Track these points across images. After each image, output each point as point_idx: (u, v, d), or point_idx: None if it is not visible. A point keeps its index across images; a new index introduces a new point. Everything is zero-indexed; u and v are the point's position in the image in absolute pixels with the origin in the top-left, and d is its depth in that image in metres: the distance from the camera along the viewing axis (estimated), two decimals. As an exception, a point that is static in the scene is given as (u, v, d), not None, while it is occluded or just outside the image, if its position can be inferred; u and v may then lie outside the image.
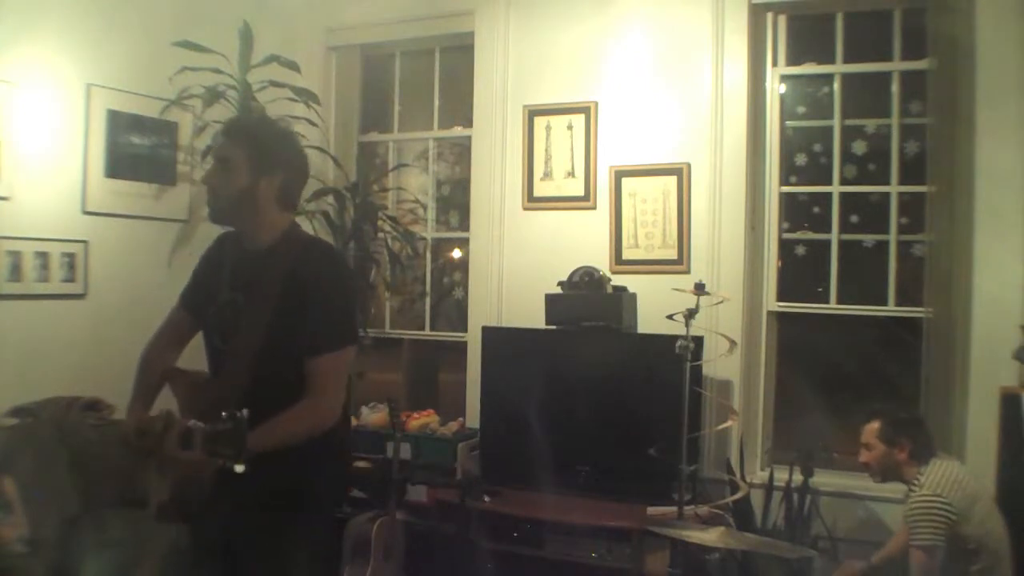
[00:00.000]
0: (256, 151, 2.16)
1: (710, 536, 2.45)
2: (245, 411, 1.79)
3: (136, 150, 3.86)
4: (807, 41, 3.77)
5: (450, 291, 4.55)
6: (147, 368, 2.29)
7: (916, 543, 2.73)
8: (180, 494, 2.06)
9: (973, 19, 3.29)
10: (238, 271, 2.21)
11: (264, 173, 2.15)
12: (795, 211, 3.80)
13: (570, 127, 3.98)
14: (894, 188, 3.59)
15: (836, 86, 3.70)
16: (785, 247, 3.79)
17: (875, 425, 2.95)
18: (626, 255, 3.86)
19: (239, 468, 1.79)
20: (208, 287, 2.27)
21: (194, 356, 2.33)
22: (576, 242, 3.92)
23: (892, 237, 3.59)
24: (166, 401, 2.25)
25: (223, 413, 1.81)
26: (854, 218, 3.68)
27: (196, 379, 2.20)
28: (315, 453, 2.09)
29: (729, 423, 3.34)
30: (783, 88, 3.82)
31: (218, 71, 3.90)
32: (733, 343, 3.10)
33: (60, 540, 2.84)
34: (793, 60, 3.78)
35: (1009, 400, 3.06)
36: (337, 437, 2.22)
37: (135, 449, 2.10)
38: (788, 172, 3.79)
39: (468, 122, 4.32)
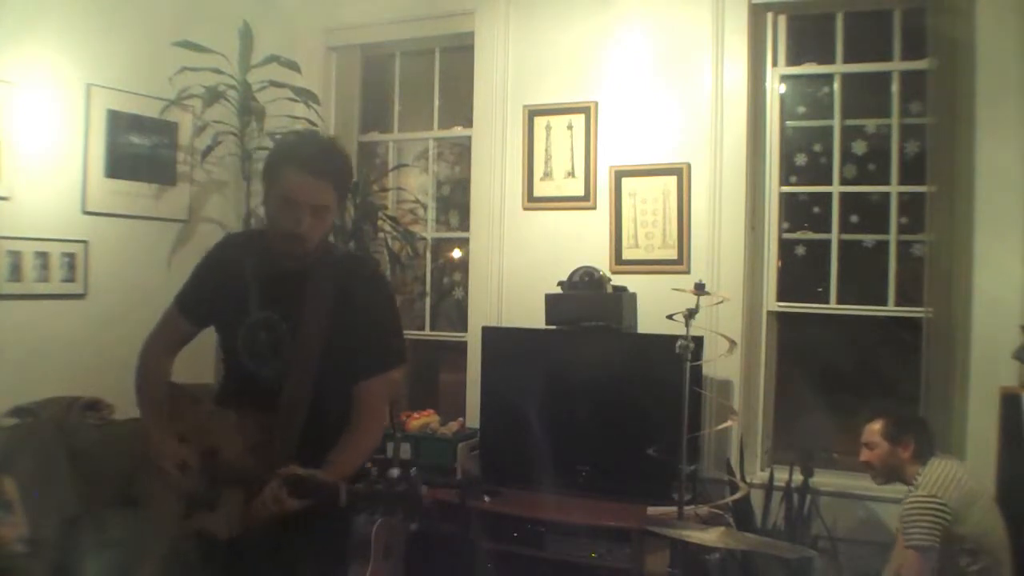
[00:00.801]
0: (343, 189, 2.06)
1: (710, 536, 2.45)
2: (415, 470, 1.76)
3: (136, 150, 3.86)
4: (807, 41, 3.77)
5: (450, 291, 4.55)
6: (149, 382, 2.16)
7: (910, 543, 2.72)
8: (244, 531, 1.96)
9: (973, 19, 3.29)
10: (271, 289, 2.06)
11: (344, 200, 2.08)
12: (795, 211, 3.80)
13: (570, 127, 3.98)
14: (894, 188, 3.59)
15: (836, 86, 3.70)
16: (785, 247, 3.79)
17: (877, 424, 2.94)
18: (626, 255, 3.86)
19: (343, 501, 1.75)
20: (221, 299, 2.11)
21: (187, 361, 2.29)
22: (576, 242, 3.92)
23: (892, 237, 3.59)
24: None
25: (389, 471, 1.75)
26: (854, 218, 3.68)
27: (235, 422, 2.03)
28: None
29: (729, 423, 3.34)
30: (783, 88, 3.82)
31: (218, 71, 3.91)
32: (733, 343, 3.10)
33: (60, 540, 2.84)
34: (793, 60, 3.78)
35: (1009, 400, 3.06)
36: None
37: (178, 487, 2.00)
38: (788, 172, 3.79)
39: (468, 122, 4.32)
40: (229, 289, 2.09)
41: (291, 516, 1.87)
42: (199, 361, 2.27)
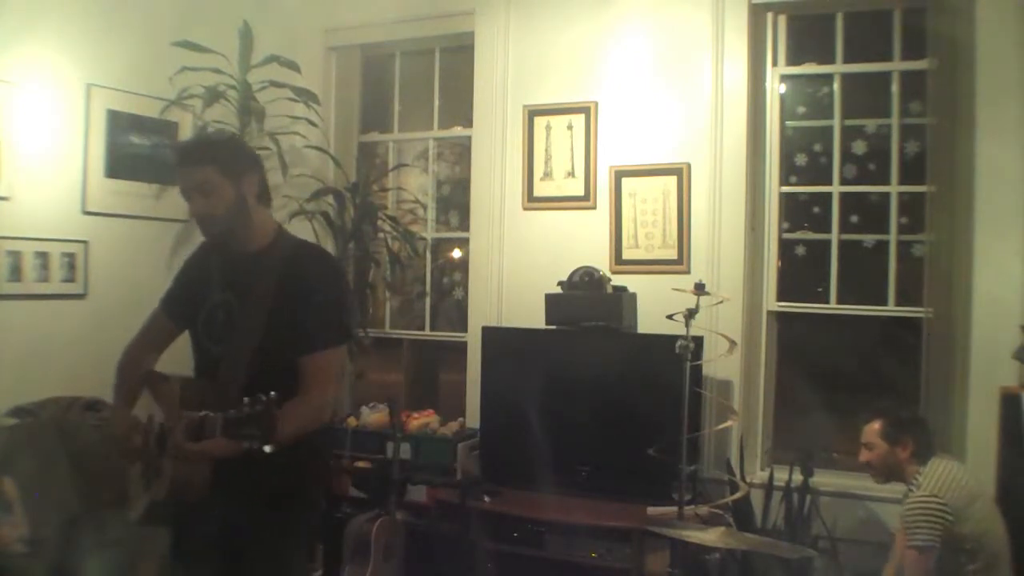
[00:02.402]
0: (225, 162, 2.18)
1: (710, 536, 2.45)
2: (273, 393, 1.83)
3: (136, 150, 3.86)
4: (807, 41, 3.77)
5: (450, 291, 4.55)
6: (126, 372, 2.30)
7: (912, 544, 2.72)
8: (175, 494, 2.06)
9: (973, 19, 3.29)
10: (228, 274, 2.23)
11: (239, 179, 2.18)
12: (795, 211, 3.80)
13: (570, 127, 3.98)
14: (894, 188, 3.59)
15: (836, 86, 3.70)
16: (785, 247, 3.79)
17: (877, 424, 2.94)
18: (626, 255, 3.86)
19: (268, 448, 1.84)
20: (193, 293, 2.29)
21: (174, 361, 2.33)
22: (576, 242, 3.92)
23: (892, 237, 3.59)
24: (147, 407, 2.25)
25: (245, 399, 1.85)
26: (854, 218, 3.68)
27: (181, 383, 2.18)
28: (299, 450, 2.11)
29: (729, 423, 3.34)
30: (783, 88, 3.82)
31: (218, 71, 3.91)
32: (733, 343, 3.10)
33: (60, 540, 2.84)
34: (793, 60, 3.78)
35: (1009, 400, 3.06)
36: (319, 435, 2.25)
37: (126, 451, 2.13)
38: (788, 172, 3.79)
39: (468, 122, 4.32)
40: (201, 285, 2.28)
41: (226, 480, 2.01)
42: (178, 367, 2.31)
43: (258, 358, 2.12)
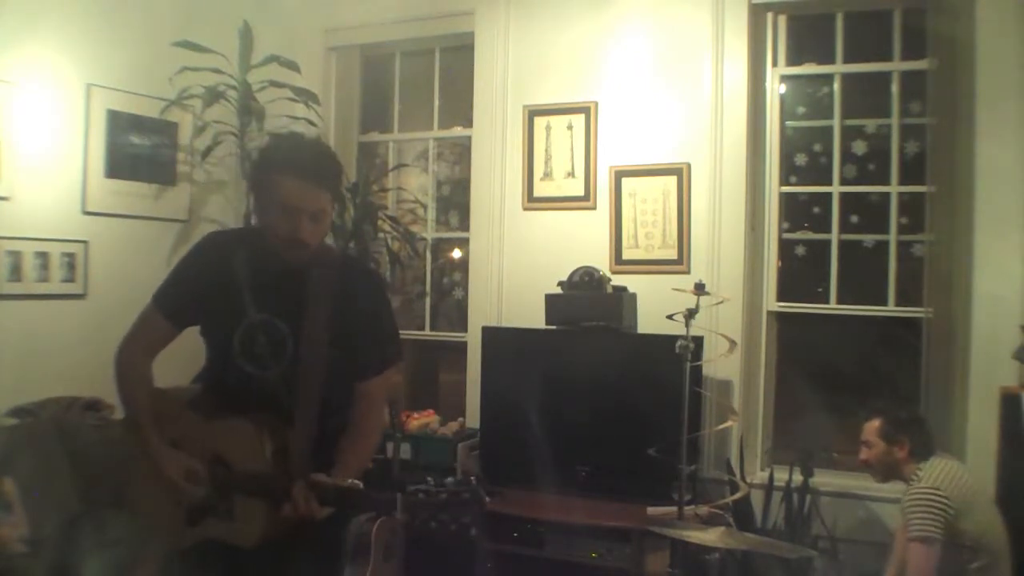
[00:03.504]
0: (337, 191, 2.08)
1: (710, 536, 2.46)
2: (474, 478, 1.75)
3: (136, 150, 3.86)
4: (807, 41, 3.77)
5: (450, 291, 4.55)
6: (134, 386, 2.10)
7: (913, 534, 2.71)
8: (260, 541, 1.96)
9: (973, 19, 3.29)
10: (267, 290, 2.03)
11: (337, 205, 2.12)
12: (795, 211, 3.80)
13: (570, 127, 3.98)
14: (894, 188, 3.59)
15: (836, 86, 3.70)
16: (785, 247, 3.79)
17: (875, 423, 2.94)
18: (626, 255, 3.86)
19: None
20: (208, 300, 2.07)
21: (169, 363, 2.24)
22: (576, 242, 3.92)
23: (892, 237, 3.59)
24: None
25: (449, 479, 1.73)
26: (854, 218, 3.68)
27: (254, 430, 1.99)
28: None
29: (729, 423, 3.34)
30: (783, 88, 3.82)
31: (218, 71, 3.90)
32: (733, 343, 3.10)
33: (60, 540, 2.84)
34: (793, 60, 3.78)
35: (1009, 400, 3.06)
36: None
37: (186, 497, 1.99)
38: (788, 172, 3.79)
39: (468, 122, 4.32)
40: (218, 290, 2.04)
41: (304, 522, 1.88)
42: (179, 362, 2.25)
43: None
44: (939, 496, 2.71)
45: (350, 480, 1.90)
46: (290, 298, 2.01)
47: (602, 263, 3.80)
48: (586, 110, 3.95)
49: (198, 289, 2.09)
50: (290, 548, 1.98)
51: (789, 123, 3.81)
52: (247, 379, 2.03)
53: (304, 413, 1.99)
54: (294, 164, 1.96)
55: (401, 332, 4.60)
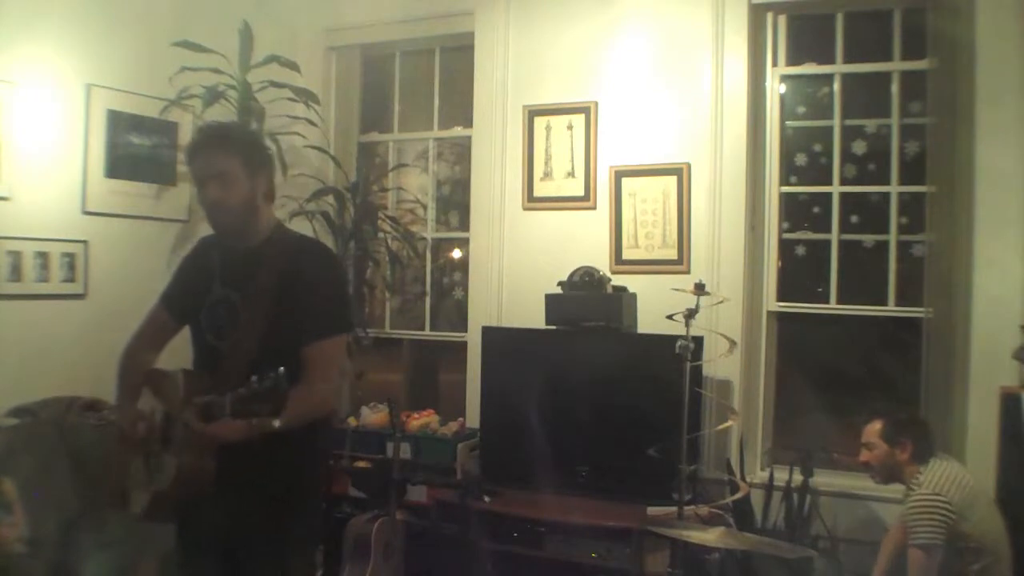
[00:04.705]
0: (247, 156, 2.20)
1: (710, 536, 2.45)
2: (282, 369, 1.83)
3: (136, 150, 3.86)
4: (807, 41, 3.77)
5: (450, 291, 4.55)
6: (128, 371, 2.30)
7: (915, 542, 2.72)
8: (180, 487, 2.05)
9: (973, 19, 3.29)
10: (228, 269, 2.23)
11: (256, 175, 2.20)
12: (795, 211, 3.80)
13: (570, 127, 3.98)
14: (894, 188, 3.59)
15: (836, 86, 3.70)
16: (785, 247, 3.79)
17: (877, 425, 2.95)
18: (626, 255, 3.86)
19: (277, 423, 1.85)
20: (194, 290, 2.28)
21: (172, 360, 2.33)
22: (576, 242, 3.92)
23: (892, 237, 3.59)
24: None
25: (253, 376, 1.85)
26: (854, 218, 3.68)
27: (181, 378, 2.17)
28: (302, 449, 2.14)
29: (729, 423, 3.33)
30: (783, 88, 3.82)
31: (218, 71, 3.90)
32: (733, 343, 3.10)
33: (60, 540, 2.84)
34: (793, 60, 3.78)
35: (1009, 400, 3.06)
36: (320, 434, 2.27)
37: (130, 442, 2.13)
38: (788, 172, 3.79)
39: (468, 122, 4.32)
40: (201, 280, 2.27)
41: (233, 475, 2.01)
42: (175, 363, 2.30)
43: (261, 350, 2.12)
44: (941, 502, 2.71)
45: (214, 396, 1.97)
46: (246, 273, 2.19)
47: (602, 263, 3.80)
48: (586, 110, 3.95)
49: (189, 284, 2.33)
50: (227, 496, 2.07)
51: (789, 123, 3.81)
52: (211, 350, 2.20)
53: (230, 365, 2.11)
54: (194, 141, 2.28)
55: (401, 332, 4.66)
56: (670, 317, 2.97)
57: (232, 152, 2.17)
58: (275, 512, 2.13)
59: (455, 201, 4.53)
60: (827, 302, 3.69)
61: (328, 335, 2.17)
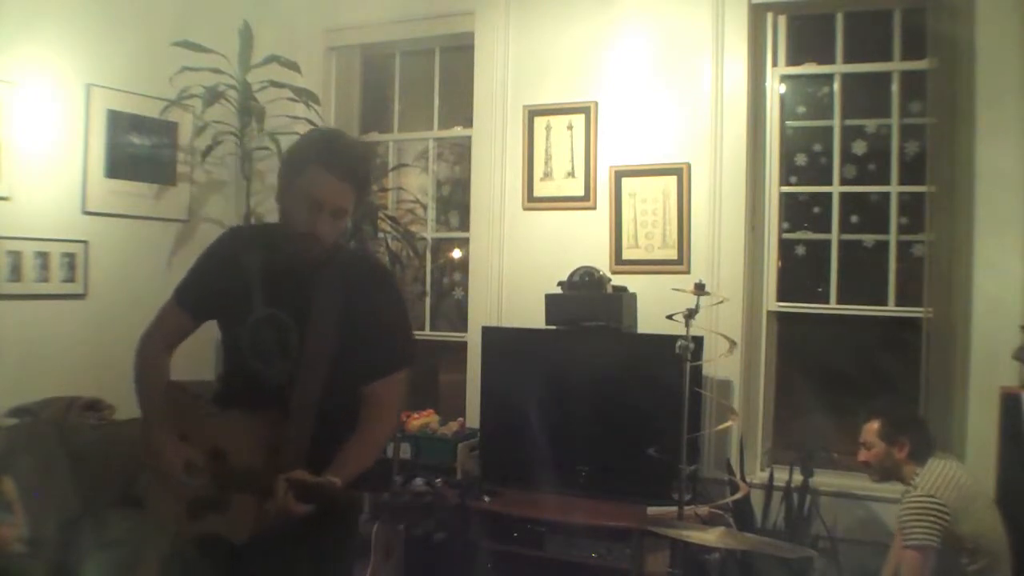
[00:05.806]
0: (364, 191, 2.04)
1: (710, 536, 2.45)
2: (439, 480, 1.75)
3: (136, 150, 3.86)
4: (807, 41, 3.77)
5: (450, 291, 4.55)
6: (149, 379, 2.10)
7: (909, 543, 2.72)
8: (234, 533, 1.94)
9: (973, 19, 3.28)
10: (277, 283, 2.02)
11: (359, 208, 2.08)
12: (795, 211, 3.80)
13: (570, 127, 3.98)
14: (894, 188, 3.59)
15: (836, 86, 3.70)
16: (785, 247, 3.79)
17: (875, 424, 2.94)
18: (626, 255, 3.86)
19: (338, 481, 1.76)
20: (223, 292, 2.07)
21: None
22: (576, 242, 3.92)
23: (892, 237, 3.59)
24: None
25: (409, 484, 1.75)
26: (854, 218, 3.68)
27: (240, 419, 2.00)
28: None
29: (729, 423, 3.33)
30: (783, 88, 3.82)
31: (218, 71, 3.91)
32: (733, 343, 3.09)
33: (60, 540, 2.84)
34: (793, 60, 3.78)
35: (1009, 400, 3.06)
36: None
37: (183, 489, 1.98)
38: (788, 172, 3.79)
39: (468, 122, 4.32)
40: (233, 283, 2.04)
41: (301, 520, 1.85)
42: (198, 357, 2.25)
43: (323, 386, 1.96)
44: (935, 504, 2.71)
45: (329, 477, 1.85)
46: (300, 295, 1.98)
47: (602, 263, 3.80)
48: (586, 110, 3.95)
49: (214, 282, 2.09)
50: (292, 547, 1.97)
51: (789, 123, 3.81)
52: (252, 373, 2.02)
53: (300, 410, 1.95)
54: (326, 157, 1.95)
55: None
56: (670, 317, 2.96)
57: (354, 187, 1.97)
58: (320, 542, 2.01)
59: (455, 201, 4.53)
60: (827, 302, 3.69)
61: (393, 371, 2.02)
